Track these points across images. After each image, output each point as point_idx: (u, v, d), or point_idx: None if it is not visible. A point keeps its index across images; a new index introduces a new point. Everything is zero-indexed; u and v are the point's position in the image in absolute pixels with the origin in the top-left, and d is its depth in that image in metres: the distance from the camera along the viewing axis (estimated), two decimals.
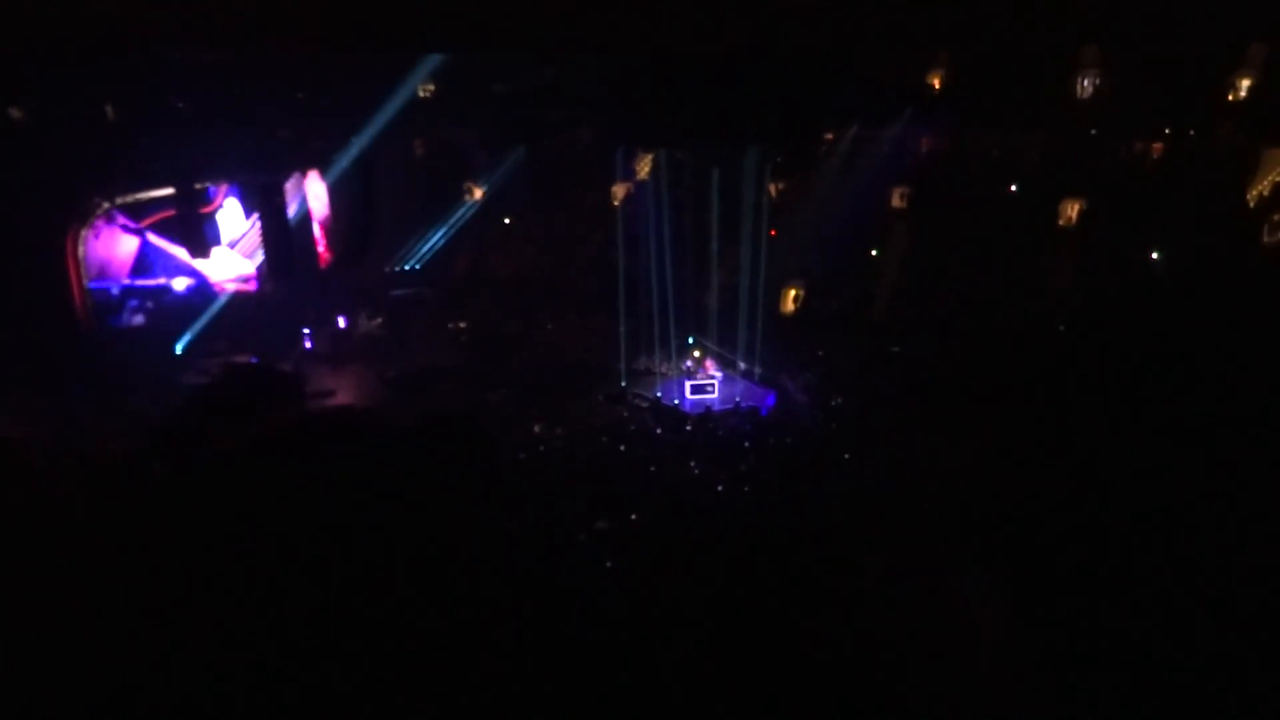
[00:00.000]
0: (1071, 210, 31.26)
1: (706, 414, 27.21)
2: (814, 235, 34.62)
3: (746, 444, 22.66)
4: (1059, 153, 31.53)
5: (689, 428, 25.75)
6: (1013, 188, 33.05)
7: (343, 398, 27.82)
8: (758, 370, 32.01)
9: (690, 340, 32.65)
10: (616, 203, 35.64)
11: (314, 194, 33.07)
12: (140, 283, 32.16)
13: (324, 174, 32.87)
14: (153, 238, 32.49)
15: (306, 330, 31.84)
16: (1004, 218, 32.03)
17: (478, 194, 37.46)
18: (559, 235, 38.76)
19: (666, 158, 33.87)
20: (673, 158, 33.90)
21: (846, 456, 20.74)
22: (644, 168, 35.35)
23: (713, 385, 30.11)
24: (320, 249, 33.45)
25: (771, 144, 33.41)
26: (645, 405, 29.31)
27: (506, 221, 39.21)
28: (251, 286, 31.72)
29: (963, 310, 30.68)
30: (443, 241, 37.65)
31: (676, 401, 29.33)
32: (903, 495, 15.62)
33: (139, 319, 30.95)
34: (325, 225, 33.75)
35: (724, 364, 32.82)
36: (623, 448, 21.85)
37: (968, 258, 32.13)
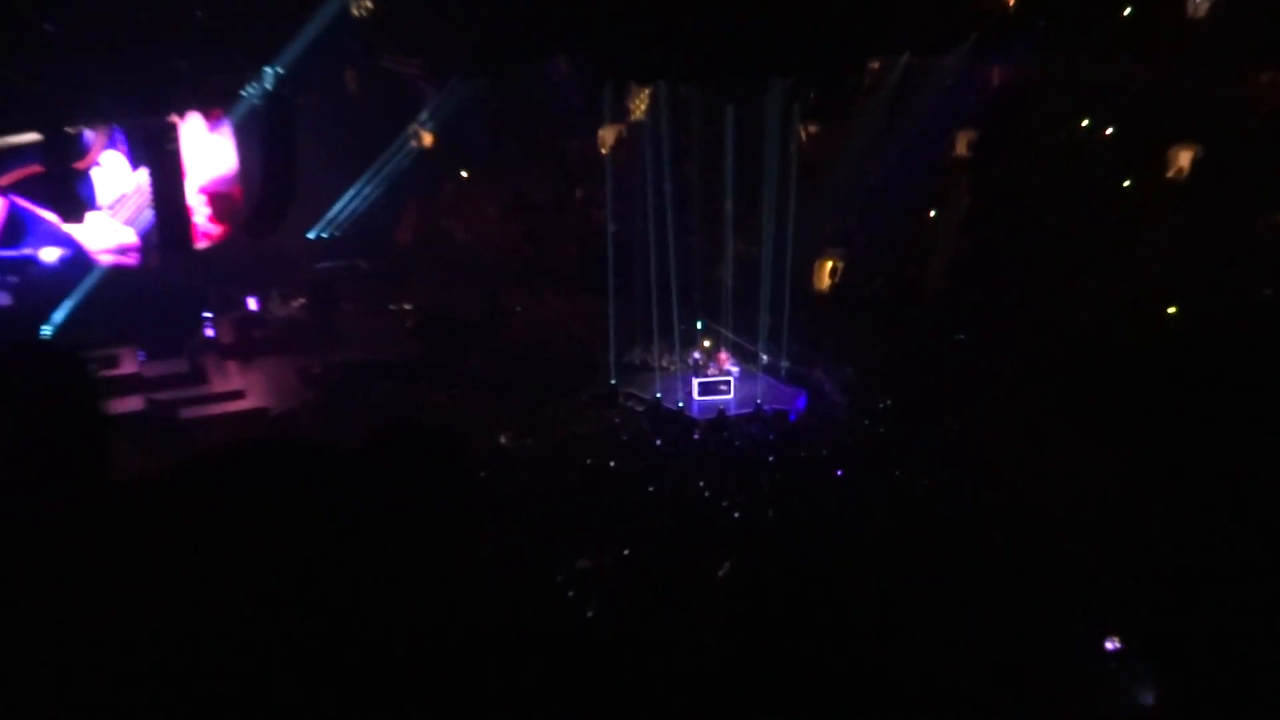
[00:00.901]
0: (1183, 160, 31.09)
1: (719, 420, 27.35)
2: (855, 193, 34.84)
3: (770, 458, 22.75)
4: (1166, 87, 31.25)
5: (697, 436, 25.99)
6: (1108, 131, 32.73)
7: (252, 400, 28.00)
8: (784, 364, 32.29)
9: (699, 326, 32.99)
10: (605, 151, 35.71)
11: (215, 142, 32.84)
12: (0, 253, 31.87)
13: (230, 116, 32.57)
14: (15, 199, 32.14)
15: (207, 315, 31.78)
16: (1096, 170, 32.02)
17: (427, 140, 37.49)
18: (531, 193, 38.94)
19: (668, 95, 33.90)
20: (676, 94, 33.95)
21: (898, 474, 20.85)
22: (639, 107, 35.48)
23: (727, 383, 30.42)
24: (222, 212, 33.20)
25: (801, 77, 33.46)
26: (641, 409, 29.56)
27: (464, 175, 39.36)
28: (132, 259, 31.48)
29: (1044, 287, 30.93)
30: (383, 201, 37.71)
31: (681, 404, 29.57)
32: (980, 532, 16.12)
33: (1, 297, 30.62)
34: (230, 182, 33.49)
35: (741, 356, 33.08)
36: (613, 463, 21.96)
37: (1049, 220, 32.19)
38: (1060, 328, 28.37)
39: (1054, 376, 25.97)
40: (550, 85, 35.62)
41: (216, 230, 32.79)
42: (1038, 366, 26.64)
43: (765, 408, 28.92)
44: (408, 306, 34.90)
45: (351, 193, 37.31)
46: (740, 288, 32.89)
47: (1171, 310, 28.88)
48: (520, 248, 37.89)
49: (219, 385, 28.51)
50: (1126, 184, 32.11)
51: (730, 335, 32.70)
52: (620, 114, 35.82)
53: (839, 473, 21.14)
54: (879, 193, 34.19)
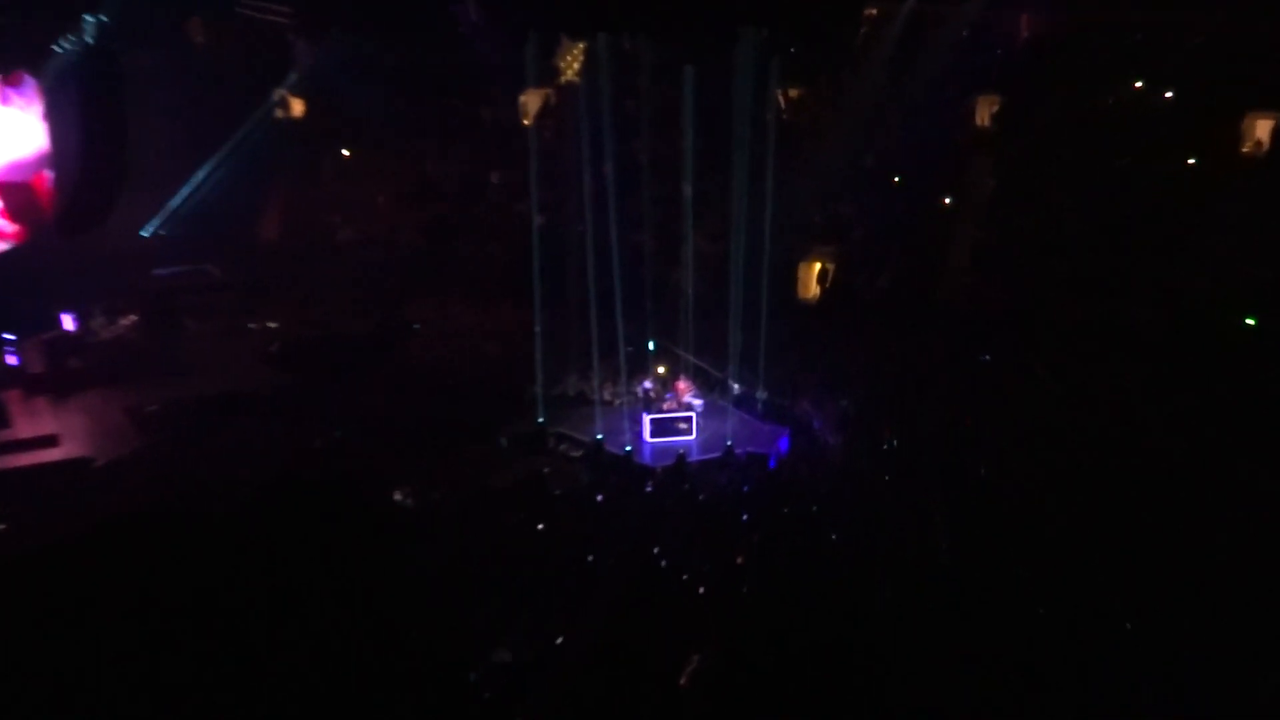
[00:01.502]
0: (1261, 132, 31.36)
1: (678, 467, 27.27)
2: (849, 175, 35.17)
3: (745, 516, 22.65)
4: (1240, 38, 31.38)
5: (650, 489, 25.86)
6: (1166, 95, 32.92)
7: (69, 448, 27.27)
8: (761, 394, 32.14)
9: (651, 347, 32.85)
10: (528, 123, 35.76)
11: (12, 115, 31.88)
12: None
13: (36, 78, 31.69)
14: None
15: (7, 338, 31.29)
16: (1151, 144, 32.14)
17: (299, 110, 37.06)
18: (435, 178, 38.88)
19: (609, 51, 33.88)
20: (619, 51, 34.07)
21: (910, 537, 20.68)
22: (572, 67, 35.76)
23: (688, 420, 30.22)
24: (20, 205, 32.15)
25: (779, 28, 33.45)
26: (578, 454, 29.32)
27: (346, 155, 38.84)
28: None
29: (1090, 291, 31.13)
30: (241, 188, 37.07)
31: (629, 448, 29.27)
32: (1014, 614, 16.06)
33: None
34: (35, 166, 32.45)
35: (706, 385, 32.97)
36: (541, 525, 21.54)
37: (1094, 207, 32.41)
38: (1111, 343, 28.70)
39: (1106, 406, 25.86)
40: (458, 39, 35.47)
41: (11, 229, 31.79)
42: (1086, 393, 26.81)
43: (738, 451, 28.72)
44: (273, 324, 34.49)
45: (199, 178, 36.70)
46: (704, 297, 32.78)
47: (1250, 321, 28.82)
48: (421, 247, 37.81)
49: (24, 429, 27.69)
50: (1190, 161, 32.23)
51: (691, 358, 32.62)
52: (548, 75, 35.94)
53: (833, 535, 21.06)
54: (879, 174, 34.69)
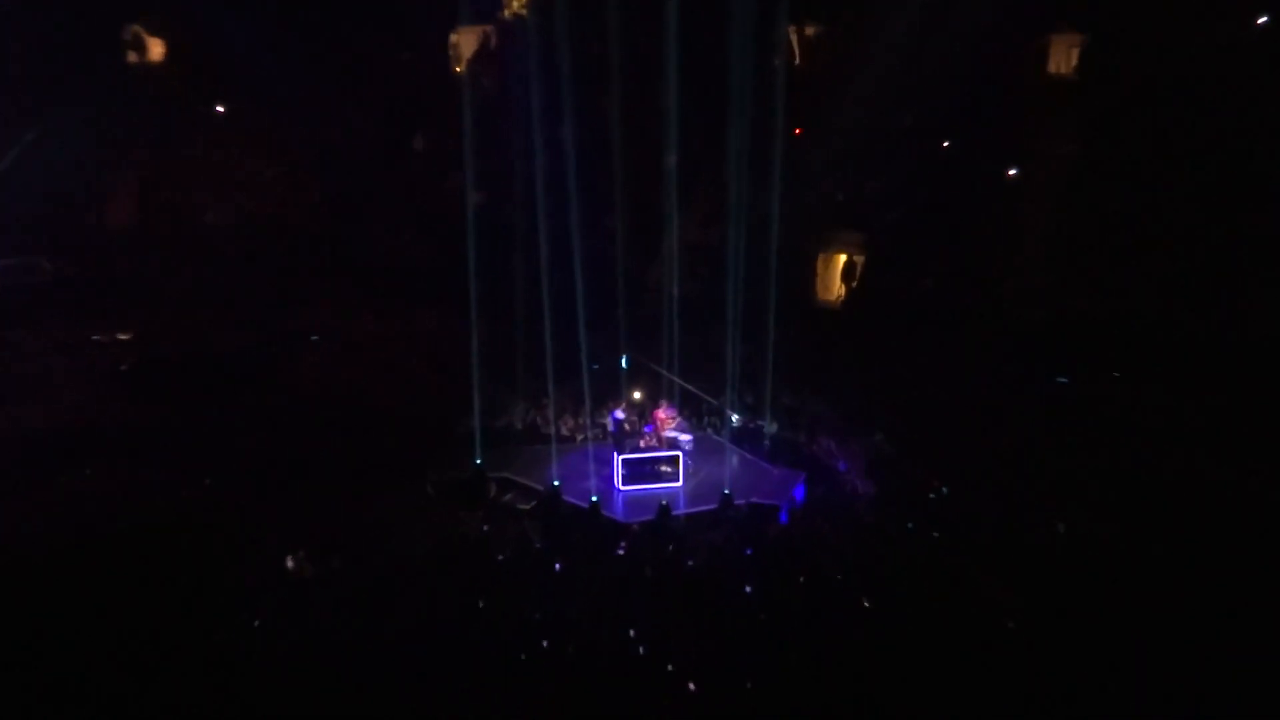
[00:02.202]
0: None
1: (660, 522, 27.14)
2: (882, 140, 35.43)
3: (748, 588, 22.62)
4: None
5: (622, 553, 25.70)
6: None
7: None
8: (769, 426, 32.30)
9: (624, 363, 33.05)
10: (461, 70, 36.17)
11: None
12: None
13: None
14: None
15: None
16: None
17: (156, 52, 37.14)
18: (337, 141, 39.03)
19: None
20: None
21: (966, 615, 20.80)
22: None
23: (673, 462, 30.11)
24: None
25: None
26: (528, 506, 29.20)
27: (220, 111, 38.79)
28: None
29: (1202, 296, 31.26)
30: (77, 156, 37.24)
31: (596, 498, 28.94)
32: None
33: None
34: None
35: (697, 415, 33.17)
36: (482, 603, 21.69)
37: (1212, 180, 32.41)
38: (1232, 365, 28.82)
39: (1228, 450, 26.04)
40: None
41: None
42: (1197, 432, 26.91)
43: (738, 501, 28.51)
44: (124, 336, 34.22)
45: (24, 141, 36.66)
46: (694, 300, 33.02)
47: None
48: (320, 233, 37.85)
49: None
50: None
51: (677, 380, 32.62)
52: (487, 8, 36.35)
53: (864, 614, 21.14)
54: (920, 138, 34.93)
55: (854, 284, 34.31)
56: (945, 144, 33.93)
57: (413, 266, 35.33)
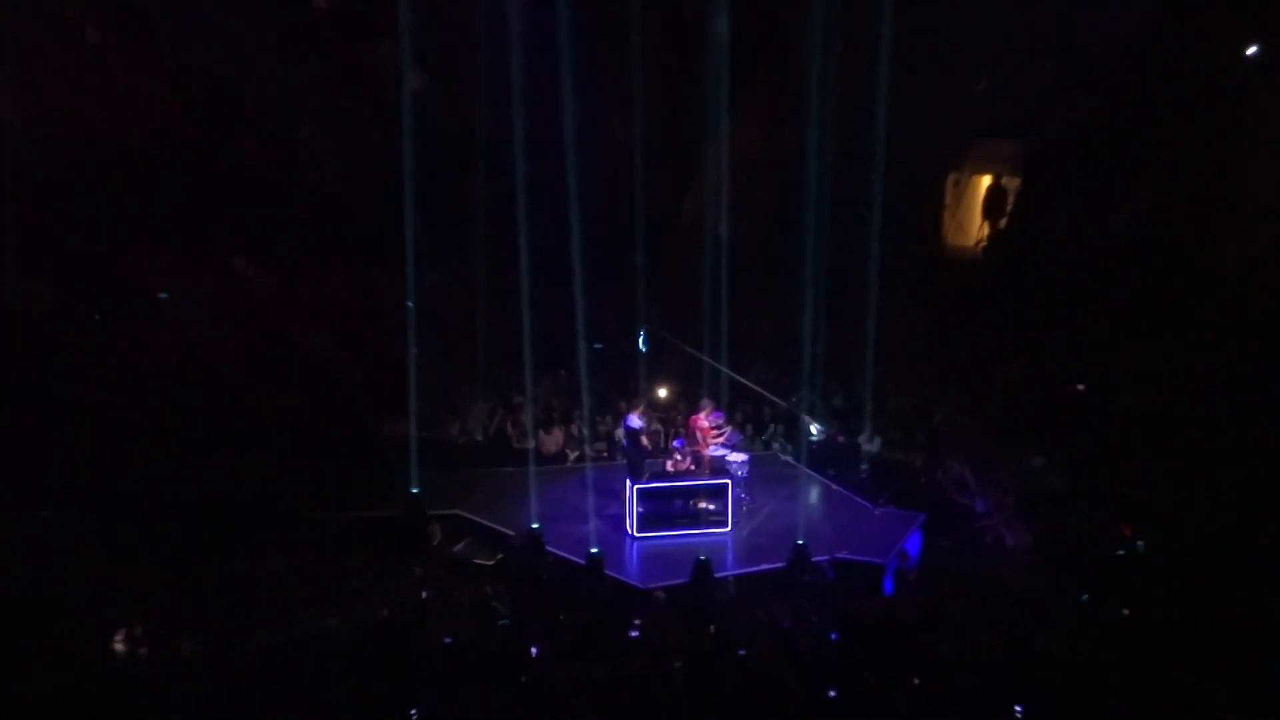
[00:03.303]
0: None
1: (697, 589, 26.13)
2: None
3: (832, 693, 21.47)
4: None
5: (635, 634, 24.44)
6: None
7: None
8: (869, 443, 31.76)
9: (642, 344, 32.29)
10: None
11: None
12: None
13: None
14: None
15: None
16: None
17: None
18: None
19: None
20: None
21: None
22: None
23: (717, 496, 29.09)
24: None
25: None
26: (492, 562, 28.31)
27: None
28: None
29: None
30: None
31: (596, 550, 28.03)
32: None
33: None
34: None
35: (754, 424, 32.89)
36: (414, 712, 20.58)
37: None
38: None
39: None
40: None
41: None
42: None
43: (818, 557, 27.49)
44: None
45: None
46: (753, 248, 32.66)
47: None
48: (172, 142, 35.68)
49: None
50: None
51: (724, 369, 31.60)
52: None
53: None
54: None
55: (1003, 223, 33.48)
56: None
57: (317, 191, 33.93)
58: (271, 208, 34.90)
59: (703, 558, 26.59)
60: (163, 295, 33.23)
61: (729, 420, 30.53)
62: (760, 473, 29.79)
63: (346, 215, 32.55)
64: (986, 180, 33.68)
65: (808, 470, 30.08)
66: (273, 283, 33.96)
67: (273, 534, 27.34)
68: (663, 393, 31.32)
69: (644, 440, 30.06)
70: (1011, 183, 33.49)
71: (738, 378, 31.27)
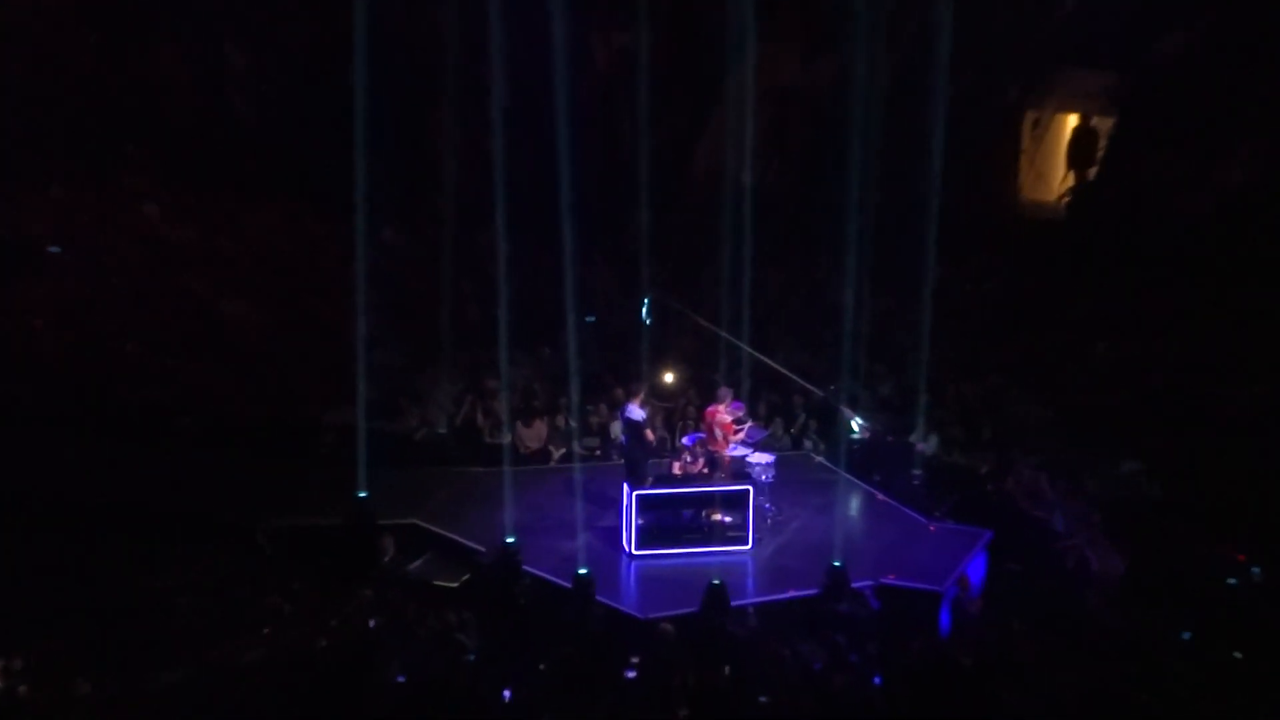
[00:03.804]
0: None
1: (710, 620, 25.38)
2: None
3: None
4: None
5: (634, 675, 23.59)
6: None
7: None
8: (924, 443, 31.30)
9: (645, 315, 31.81)
10: None
11: None
12: None
13: None
14: None
15: None
16: None
17: None
18: None
19: None
20: None
21: None
22: None
23: (740, 501, 28.41)
24: None
25: None
26: (454, 584, 27.82)
27: None
28: None
29: None
30: None
31: (585, 571, 27.49)
32: None
33: None
34: None
35: (783, 416, 32.24)
36: None
37: None
38: None
39: None
40: None
41: None
42: None
43: (861, 584, 26.95)
44: None
45: None
46: (783, 199, 32.41)
47: None
48: (66, 63, 35.31)
49: None
50: None
51: (747, 348, 30.92)
52: None
53: None
54: None
55: (1092, 173, 32.52)
56: None
57: (244, 122, 33.51)
58: (188, 142, 34.55)
59: (716, 581, 25.75)
60: (52, 249, 32.89)
61: (751, 412, 30.02)
62: (789, 477, 29.13)
63: (281, 153, 31.75)
64: (1072, 121, 33.00)
65: (847, 475, 29.42)
66: (188, 235, 33.39)
67: (184, 545, 26.78)
68: (670, 377, 30.62)
69: (648, 435, 29.50)
70: (1103, 124, 32.71)
71: (763, 359, 30.59)
